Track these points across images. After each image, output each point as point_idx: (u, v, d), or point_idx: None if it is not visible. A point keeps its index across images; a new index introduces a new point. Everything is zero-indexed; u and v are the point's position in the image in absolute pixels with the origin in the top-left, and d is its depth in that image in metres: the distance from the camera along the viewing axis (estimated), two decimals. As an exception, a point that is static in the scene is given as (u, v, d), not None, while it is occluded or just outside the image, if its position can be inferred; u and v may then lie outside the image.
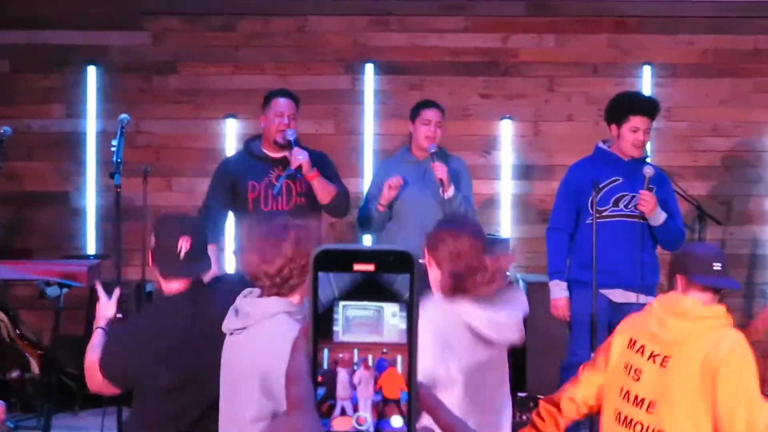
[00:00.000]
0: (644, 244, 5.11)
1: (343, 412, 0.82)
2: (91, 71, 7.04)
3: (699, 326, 3.26)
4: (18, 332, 6.08)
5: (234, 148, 6.81)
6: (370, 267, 0.84)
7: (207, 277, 3.39)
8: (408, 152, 5.46)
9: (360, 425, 0.82)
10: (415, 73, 7.06)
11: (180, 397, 3.17)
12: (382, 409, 0.83)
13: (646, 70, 7.05)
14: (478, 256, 2.91)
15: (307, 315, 0.84)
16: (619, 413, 3.33)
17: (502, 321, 2.90)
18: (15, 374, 6.02)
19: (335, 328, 0.83)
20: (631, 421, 3.29)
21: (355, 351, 0.83)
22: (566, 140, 6.87)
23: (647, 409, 3.25)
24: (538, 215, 6.93)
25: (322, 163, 5.10)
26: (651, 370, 3.27)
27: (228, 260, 6.15)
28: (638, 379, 3.29)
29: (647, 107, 5.20)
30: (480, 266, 2.87)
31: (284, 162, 5.02)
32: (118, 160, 4.81)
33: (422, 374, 0.83)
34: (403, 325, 0.83)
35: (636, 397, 3.29)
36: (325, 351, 0.83)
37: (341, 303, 0.84)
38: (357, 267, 0.84)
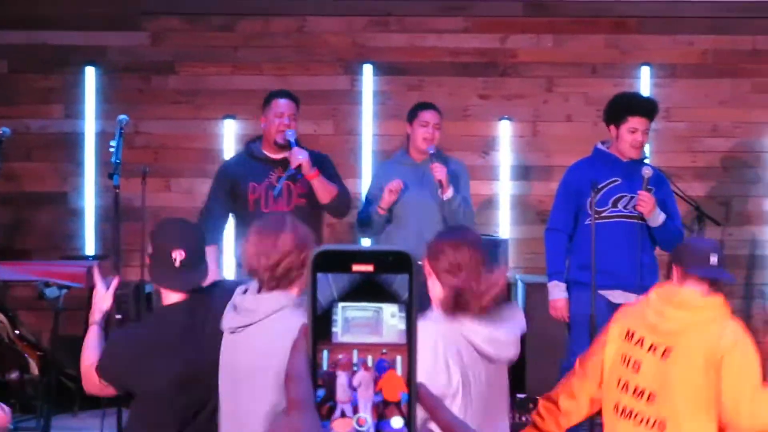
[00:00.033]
0: (643, 245, 5.11)
1: (343, 414, 0.82)
2: (90, 72, 7.04)
3: (699, 317, 3.29)
4: (17, 333, 6.07)
5: (233, 149, 6.81)
6: (369, 268, 0.83)
7: (206, 282, 3.38)
8: (406, 154, 5.45)
9: (360, 426, 0.82)
10: (414, 73, 7.05)
11: (180, 399, 3.17)
12: (382, 410, 0.83)
13: (645, 70, 7.05)
14: (478, 269, 2.93)
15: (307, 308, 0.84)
16: (617, 405, 3.34)
17: (501, 338, 2.93)
18: (14, 375, 6.02)
19: (334, 329, 0.83)
20: (631, 412, 3.31)
21: (355, 352, 0.83)
22: (565, 141, 6.87)
23: (647, 400, 3.27)
24: (537, 216, 6.92)
25: (322, 163, 5.10)
26: (651, 362, 3.29)
27: (227, 262, 6.15)
28: (638, 370, 3.31)
29: (646, 108, 5.19)
30: (479, 283, 2.89)
31: (285, 163, 5.02)
32: (117, 161, 4.81)
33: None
34: (403, 326, 0.83)
35: (636, 389, 3.30)
36: (325, 352, 0.83)
37: (340, 304, 0.84)
38: (356, 268, 0.84)
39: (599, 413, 3.50)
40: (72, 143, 7.06)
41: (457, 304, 2.91)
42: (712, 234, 6.69)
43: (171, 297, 3.28)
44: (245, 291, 3.02)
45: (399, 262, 0.84)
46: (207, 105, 7.04)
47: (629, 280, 5.02)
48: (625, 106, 5.17)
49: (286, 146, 5.04)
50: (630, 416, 3.30)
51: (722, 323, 3.28)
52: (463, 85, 7.06)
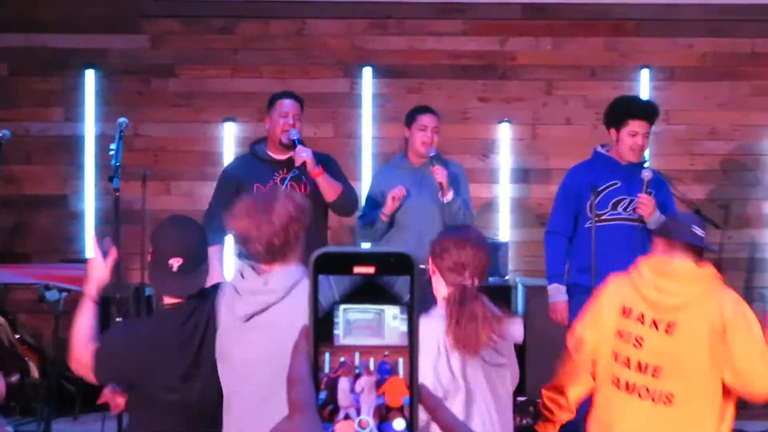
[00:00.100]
0: (643, 248, 5.10)
1: (345, 417, 0.82)
2: (90, 74, 7.04)
3: (698, 289, 3.35)
4: (17, 336, 6.07)
5: (233, 152, 6.81)
6: (371, 269, 0.83)
7: (209, 282, 3.37)
8: (404, 158, 5.45)
9: (362, 429, 0.82)
10: (414, 76, 7.05)
11: (180, 401, 3.17)
12: (384, 412, 0.83)
13: (644, 73, 7.05)
14: (482, 268, 2.96)
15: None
16: (618, 379, 3.38)
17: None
18: (15, 378, 6.01)
19: (336, 332, 0.83)
20: (634, 386, 3.35)
21: (357, 354, 0.83)
22: (564, 144, 6.87)
23: (653, 375, 3.32)
24: (537, 219, 6.92)
25: (326, 162, 5.11)
26: (654, 337, 3.34)
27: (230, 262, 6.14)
28: (640, 346, 3.35)
29: (646, 111, 5.19)
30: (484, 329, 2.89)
31: (289, 164, 5.03)
32: (117, 164, 4.81)
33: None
34: (404, 328, 0.83)
35: (639, 363, 3.35)
36: (326, 355, 0.83)
37: (342, 306, 0.83)
38: (357, 270, 0.84)
39: None
40: (72, 146, 7.05)
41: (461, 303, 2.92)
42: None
43: (171, 299, 3.28)
44: (242, 276, 3.00)
45: (400, 263, 0.84)
46: (207, 108, 7.03)
47: (629, 282, 5.02)
48: (626, 110, 5.17)
49: (291, 147, 5.04)
50: (632, 390, 3.35)
51: (720, 293, 3.37)
52: (463, 87, 7.06)
